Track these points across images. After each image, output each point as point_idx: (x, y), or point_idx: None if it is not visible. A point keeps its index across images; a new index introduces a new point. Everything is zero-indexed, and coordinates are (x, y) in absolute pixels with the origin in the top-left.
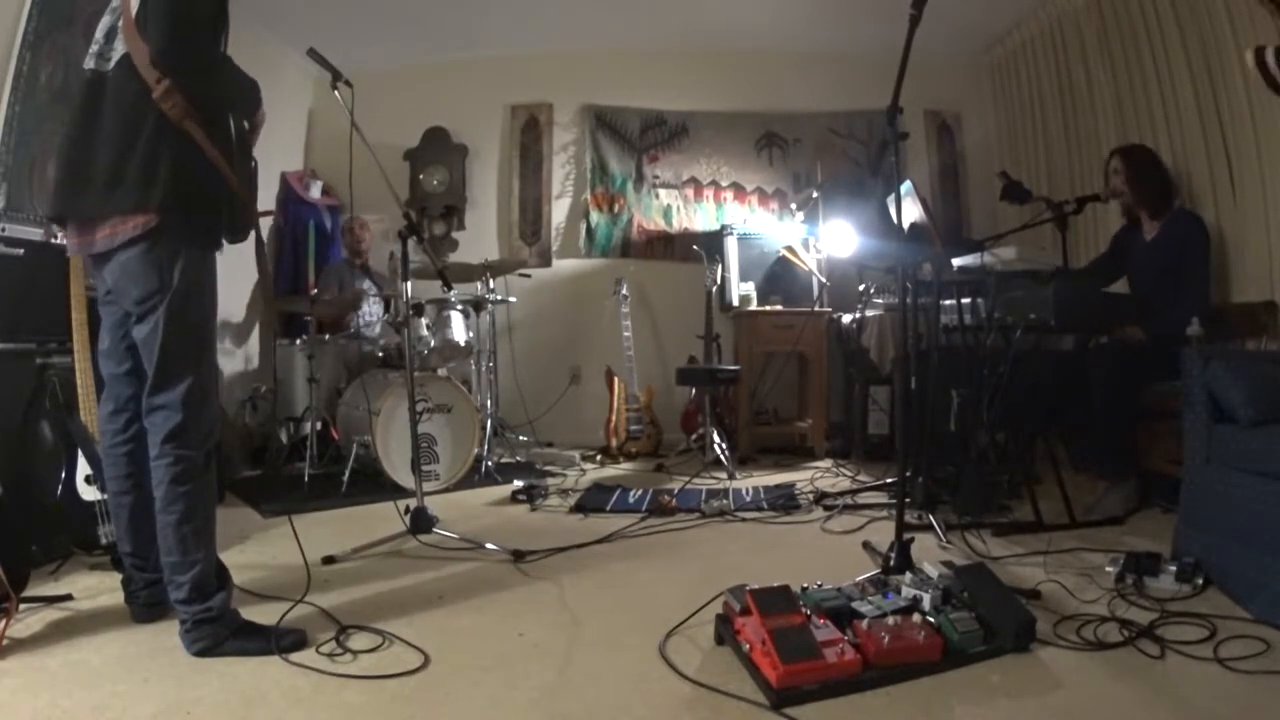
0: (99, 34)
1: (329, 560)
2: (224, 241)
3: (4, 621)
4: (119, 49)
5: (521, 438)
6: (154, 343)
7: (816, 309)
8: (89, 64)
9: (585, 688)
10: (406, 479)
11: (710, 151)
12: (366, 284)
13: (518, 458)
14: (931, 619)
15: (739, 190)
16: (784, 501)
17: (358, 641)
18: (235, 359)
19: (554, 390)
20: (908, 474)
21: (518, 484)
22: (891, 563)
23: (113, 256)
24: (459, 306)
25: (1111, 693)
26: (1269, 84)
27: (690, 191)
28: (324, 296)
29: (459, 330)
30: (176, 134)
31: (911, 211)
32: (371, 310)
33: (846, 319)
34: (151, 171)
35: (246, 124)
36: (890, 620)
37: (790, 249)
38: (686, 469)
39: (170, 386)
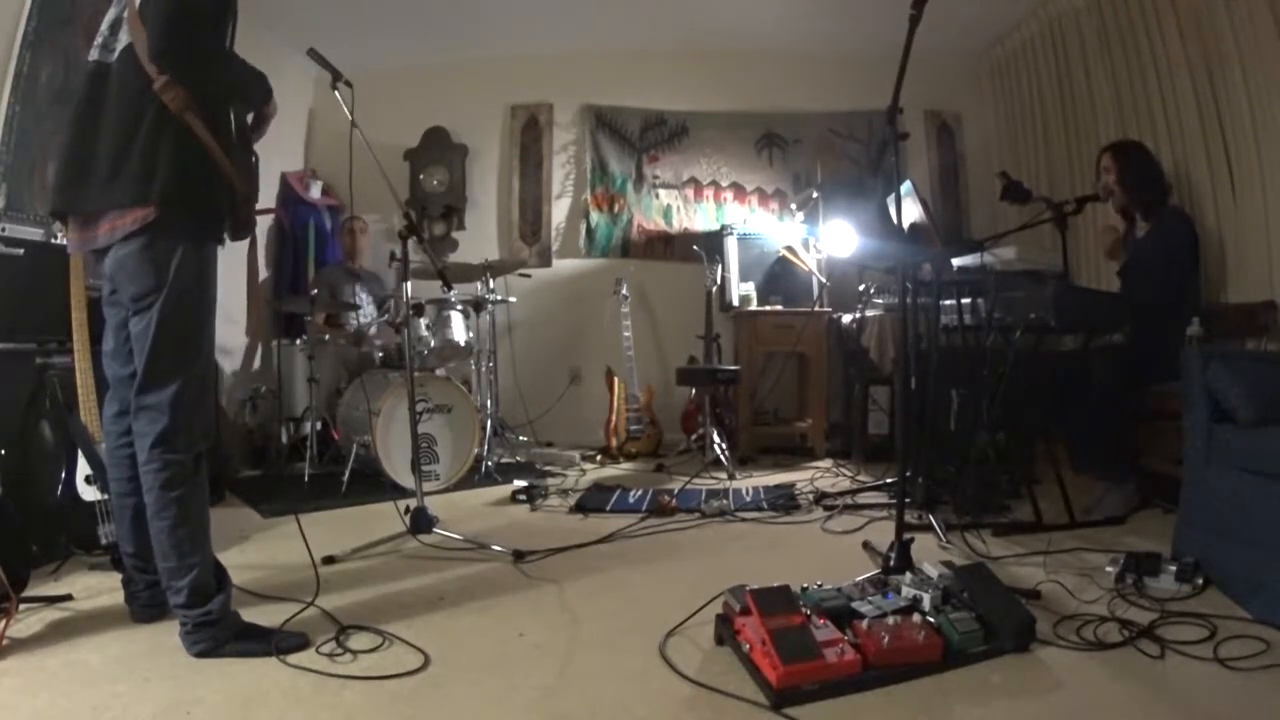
0: (104, 26)
1: (329, 560)
2: (226, 238)
3: (4, 621)
4: (123, 39)
5: (521, 438)
6: (145, 340)
7: (816, 309)
8: (93, 55)
9: (585, 688)
10: (406, 479)
11: (710, 151)
12: (360, 296)
13: (518, 458)
14: (931, 619)
15: (739, 190)
16: (784, 501)
17: (358, 642)
18: (235, 359)
19: (554, 390)
20: (908, 474)
21: (518, 484)
22: (891, 563)
23: (112, 252)
24: (459, 306)
25: (1111, 693)
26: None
27: (690, 191)
28: (322, 296)
29: (459, 330)
30: (177, 126)
31: (911, 211)
32: (367, 311)
33: (846, 319)
34: (151, 164)
35: (255, 115)
36: (890, 620)
37: (790, 249)
38: (686, 469)
39: (159, 387)
